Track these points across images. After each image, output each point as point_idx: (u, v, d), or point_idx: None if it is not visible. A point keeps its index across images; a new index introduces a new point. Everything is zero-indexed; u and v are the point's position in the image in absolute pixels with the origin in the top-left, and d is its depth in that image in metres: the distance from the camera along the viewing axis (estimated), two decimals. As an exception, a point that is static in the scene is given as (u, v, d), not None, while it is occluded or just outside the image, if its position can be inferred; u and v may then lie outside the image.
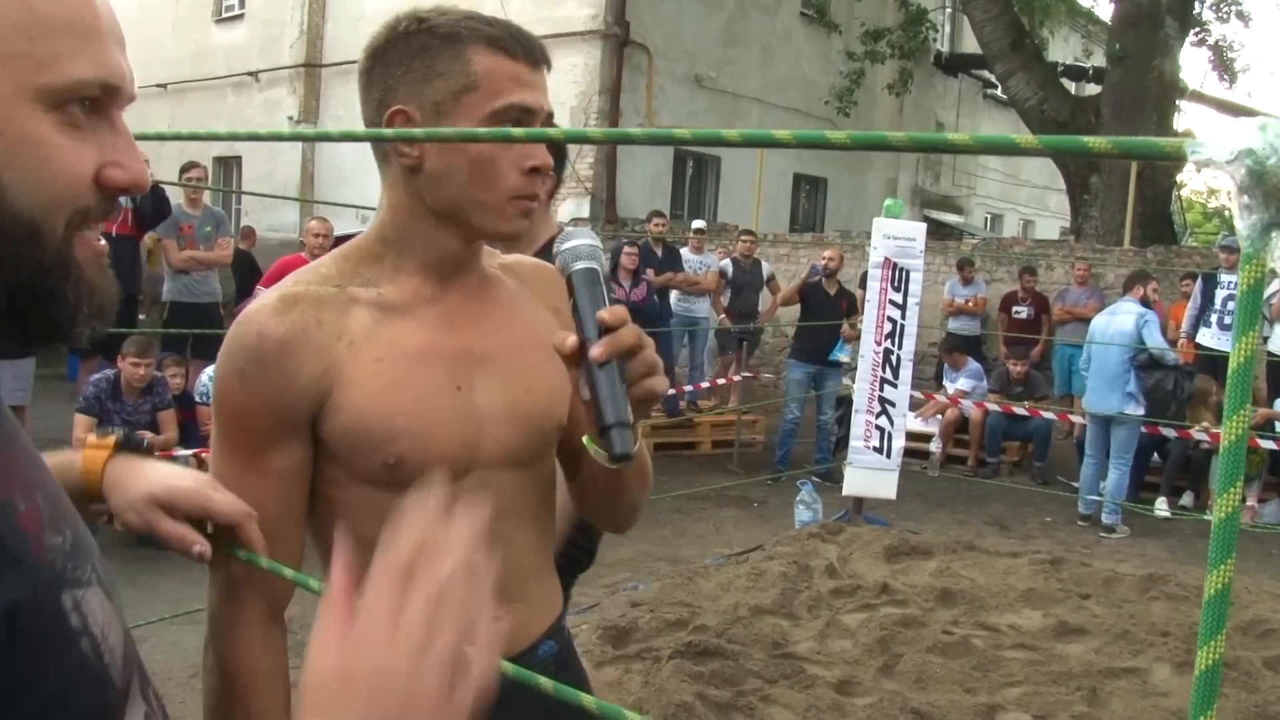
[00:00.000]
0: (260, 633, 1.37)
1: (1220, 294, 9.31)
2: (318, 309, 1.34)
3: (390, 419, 1.32)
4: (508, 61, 1.34)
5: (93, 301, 0.83)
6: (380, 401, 1.32)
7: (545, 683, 1.19)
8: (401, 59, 1.36)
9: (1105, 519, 7.98)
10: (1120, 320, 8.00)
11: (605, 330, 1.21)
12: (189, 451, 6.35)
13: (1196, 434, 8.18)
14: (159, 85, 19.86)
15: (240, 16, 19.32)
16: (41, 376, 7.51)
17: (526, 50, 1.36)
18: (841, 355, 9.04)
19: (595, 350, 1.20)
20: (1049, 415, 9.34)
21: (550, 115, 1.40)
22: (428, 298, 1.39)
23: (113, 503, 1.14)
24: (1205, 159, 0.74)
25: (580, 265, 1.26)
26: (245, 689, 1.36)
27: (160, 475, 1.14)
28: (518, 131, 1.30)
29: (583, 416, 1.30)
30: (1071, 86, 19.01)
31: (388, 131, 1.35)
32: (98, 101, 0.82)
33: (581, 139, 1.22)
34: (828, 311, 9.08)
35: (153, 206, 8.19)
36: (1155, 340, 7.90)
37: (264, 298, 1.37)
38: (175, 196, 8.84)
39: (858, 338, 8.91)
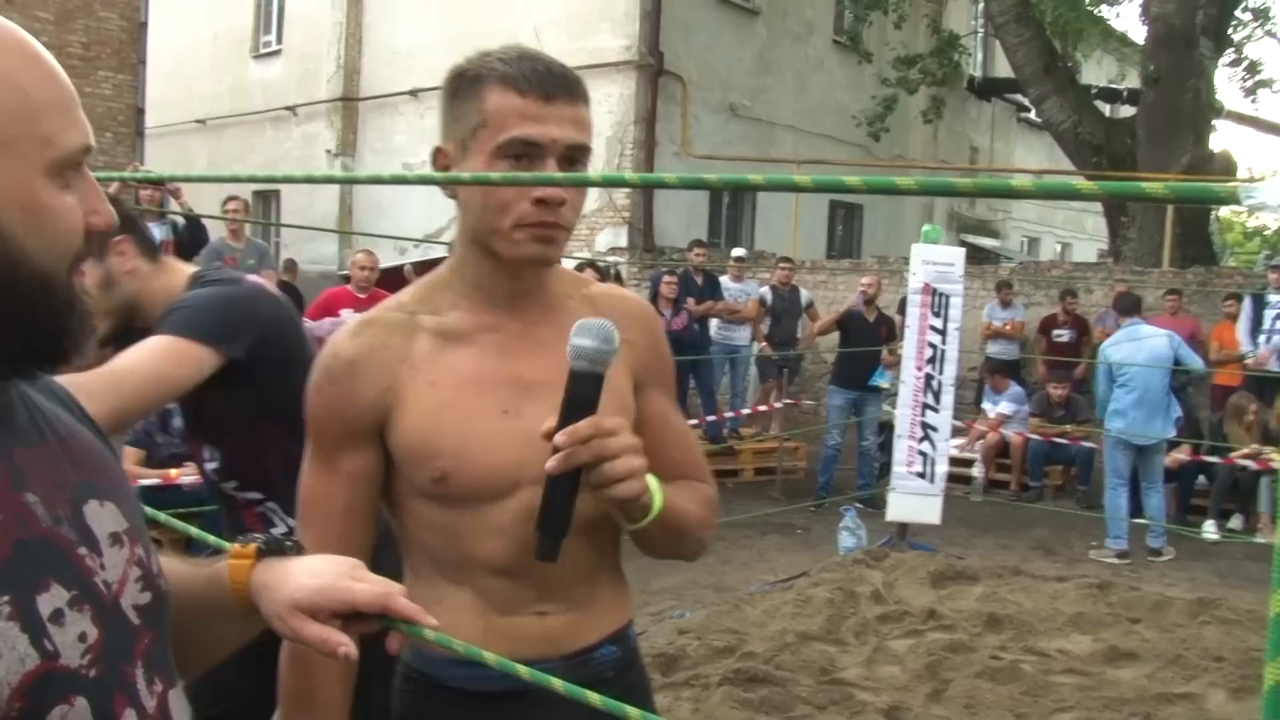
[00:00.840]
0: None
1: (1270, 314, 9.24)
2: (387, 333, 1.50)
3: (437, 438, 1.45)
4: (516, 98, 1.42)
5: (88, 325, 0.96)
6: (429, 422, 1.46)
7: (556, 683, 1.25)
8: (445, 102, 1.51)
9: (1152, 543, 7.90)
10: (1152, 344, 7.84)
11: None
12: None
13: (1238, 460, 8.11)
14: (198, 121, 20.18)
15: (278, 53, 19.60)
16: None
17: (538, 86, 1.42)
18: (881, 381, 9.02)
19: (548, 463, 1.27)
20: (1088, 445, 9.29)
21: (577, 147, 1.46)
22: (489, 325, 1.51)
23: (263, 611, 1.18)
24: (1259, 204, 0.77)
25: (578, 366, 1.29)
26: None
27: (299, 577, 1.17)
28: (559, 176, 1.38)
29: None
30: (1106, 109, 18.95)
31: (439, 176, 1.47)
32: (77, 161, 0.95)
33: (619, 182, 1.25)
34: (868, 338, 9.09)
35: (191, 237, 8.32)
36: (1196, 361, 7.87)
37: (349, 322, 1.54)
38: (218, 230, 8.97)
39: (897, 363, 8.93)
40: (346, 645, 1.17)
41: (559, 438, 1.27)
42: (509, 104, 1.42)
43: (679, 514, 1.48)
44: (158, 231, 8.17)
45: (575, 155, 1.46)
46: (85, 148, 0.95)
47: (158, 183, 8.12)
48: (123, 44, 14.51)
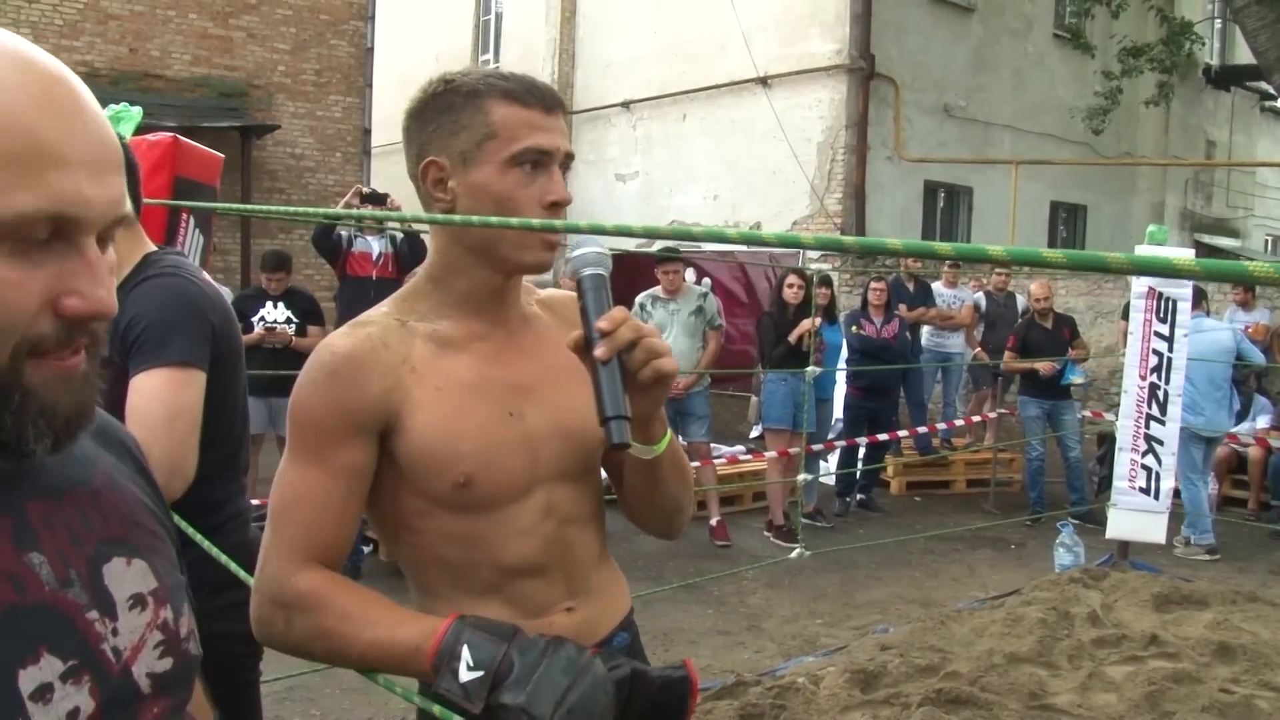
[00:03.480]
0: (324, 577, 1.48)
1: None
2: (384, 334, 1.53)
3: (456, 443, 1.49)
4: (522, 110, 1.51)
5: (45, 420, 0.83)
6: (446, 427, 1.49)
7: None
8: (433, 116, 1.54)
9: (1205, 539, 7.83)
10: (1215, 337, 7.86)
11: (604, 334, 1.37)
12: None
13: None
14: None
15: (495, 70, 20.22)
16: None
17: (540, 99, 1.52)
18: (1075, 377, 8.59)
19: (597, 350, 1.36)
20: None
21: (570, 155, 1.56)
22: (479, 334, 1.57)
23: None
24: None
25: (588, 271, 1.42)
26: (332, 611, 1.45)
27: None
28: (699, 231, 1.40)
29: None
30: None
31: (514, 222, 1.50)
32: (61, 229, 0.80)
33: (835, 247, 1.28)
34: (1049, 346, 8.67)
35: (410, 250, 8.63)
36: (1258, 356, 8.01)
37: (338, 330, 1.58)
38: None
39: (1084, 359, 8.53)
40: None
41: (601, 323, 1.37)
42: (517, 115, 1.50)
43: (682, 452, 1.63)
44: (377, 245, 8.54)
45: (568, 163, 1.57)
46: (51, 216, 0.79)
47: (379, 201, 8.46)
48: (351, 69, 15.29)
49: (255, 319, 7.24)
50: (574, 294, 1.74)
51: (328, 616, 1.42)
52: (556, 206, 1.53)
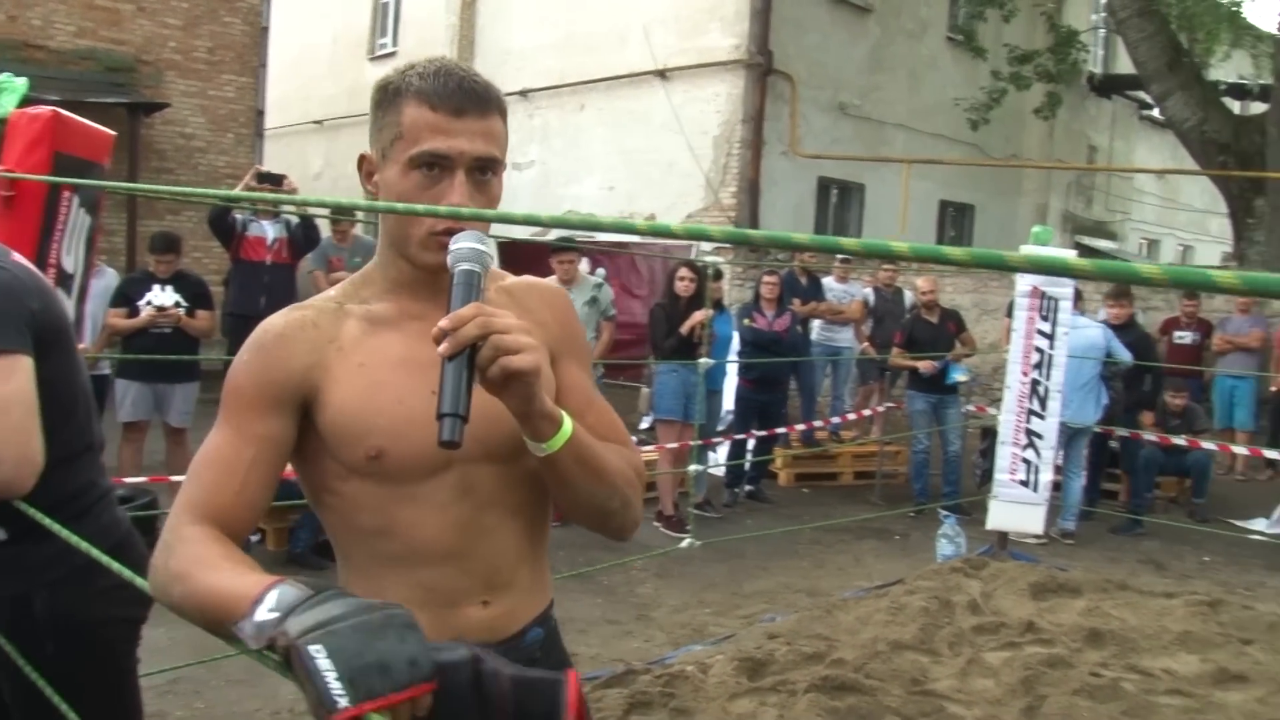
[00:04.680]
0: (203, 529, 1.46)
1: None
2: (317, 315, 1.60)
3: (370, 416, 1.51)
4: (428, 113, 1.52)
5: None
6: (361, 400, 1.52)
7: None
8: (372, 111, 1.60)
9: (1064, 524, 8.24)
10: (1087, 333, 8.20)
11: (446, 332, 1.33)
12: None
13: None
14: (315, 122, 20.68)
15: (393, 54, 19.97)
16: (204, 401, 7.83)
17: (449, 101, 1.52)
18: (958, 375, 8.82)
19: (440, 347, 1.33)
20: (1209, 446, 8.95)
21: (486, 159, 1.54)
22: (414, 314, 1.59)
23: None
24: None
25: (459, 267, 1.40)
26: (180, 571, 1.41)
27: None
28: (607, 222, 1.40)
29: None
30: (1235, 106, 18.24)
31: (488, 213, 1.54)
32: None
33: (703, 236, 1.26)
34: (935, 340, 8.89)
35: (304, 235, 8.50)
36: (1125, 354, 8.35)
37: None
38: (326, 229, 9.16)
39: (969, 354, 8.78)
40: None
41: (443, 321, 1.33)
42: (422, 118, 1.52)
43: (595, 451, 1.53)
44: (271, 230, 8.39)
45: (485, 166, 1.55)
46: None
47: (276, 183, 8.31)
48: (245, 48, 14.94)
49: (142, 302, 7.05)
50: (537, 281, 1.80)
51: (189, 561, 1.40)
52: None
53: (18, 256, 2.30)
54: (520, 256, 12.57)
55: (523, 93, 16.99)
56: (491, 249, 1.44)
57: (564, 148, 16.70)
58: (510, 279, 1.76)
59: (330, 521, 1.62)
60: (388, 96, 1.56)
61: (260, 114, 16.03)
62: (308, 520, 6.44)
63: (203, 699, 4.59)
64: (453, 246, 1.42)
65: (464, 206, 1.50)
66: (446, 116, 1.51)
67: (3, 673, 2.24)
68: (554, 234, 7.98)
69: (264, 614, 1.20)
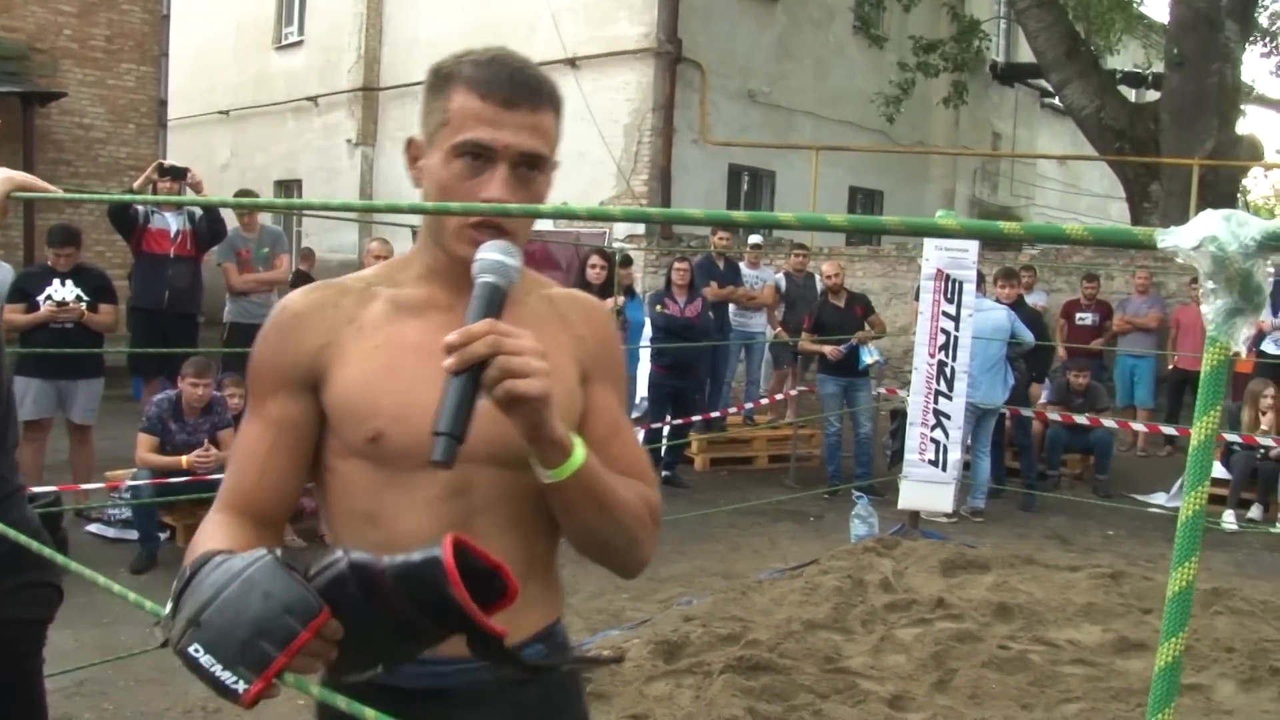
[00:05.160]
0: (217, 517, 1.49)
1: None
2: (340, 295, 1.56)
3: (374, 398, 1.48)
4: (476, 101, 1.46)
5: None
6: (369, 381, 1.49)
7: (369, 713, 1.13)
8: (423, 96, 1.55)
9: (973, 503, 8.44)
10: (992, 316, 8.33)
11: (454, 348, 1.26)
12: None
13: (1262, 441, 8.10)
14: (221, 112, 20.29)
15: (299, 43, 19.67)
16: (108, 398, 7.67)
17: (500, 91, 1.46)
18: (868, 358, 8.96)
19: (446, 361, 1.26)
20: (1110, 424, 9.21)
21: (532, 154, 1.48)
22: (442, 304, 1.54)
23: None
24: (1173, 246, 0.79)
25: (480, 279, 1.35)
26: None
27: None
28: (513, 207, 1.40)
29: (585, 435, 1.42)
30: (1131, 94, 18.74)
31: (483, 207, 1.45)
32: None
33: (642, 218, 1.27)
34: (842, 324, 9.02)
35: (208, 228, 8.35)
36: (1028, 335, 8.58)
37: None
38: (231, 221, 9.01)
39: (876, 336, 8.94)
40: None
41: (452, 336, 1.26)
42: (469, 106, 1.46)
43: (607, 486, 1.44)
44: (175, 222, 8.22)
45: (531, 161, 1.49)
46: None
47: (179, 175, 8.15)
48: (145, 36, 14.56)
49: (42, 297, 6.87)
50: (581, 294, 1.74)
51: (192, 548, 1.40)
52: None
53: None
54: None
55: (432, 82, 16.84)
56: (519, 261, 1.38)
57: (475, 137, 16.57)
58: (556, 288, 1.70)
59: (326, 504, 1.59)
60: (439, 81, 1.51)
61: (163, 104, 15.64)
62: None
63: (110, 700, 4.50)
64: (478, 256, 1.37)
65: (495, 200, 1.44)
66: (495, 107, 1.46)
67: None
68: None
69: (167, 607, 1.18)
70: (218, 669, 1.08)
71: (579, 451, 1.38)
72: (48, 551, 1.75)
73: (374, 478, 1.50)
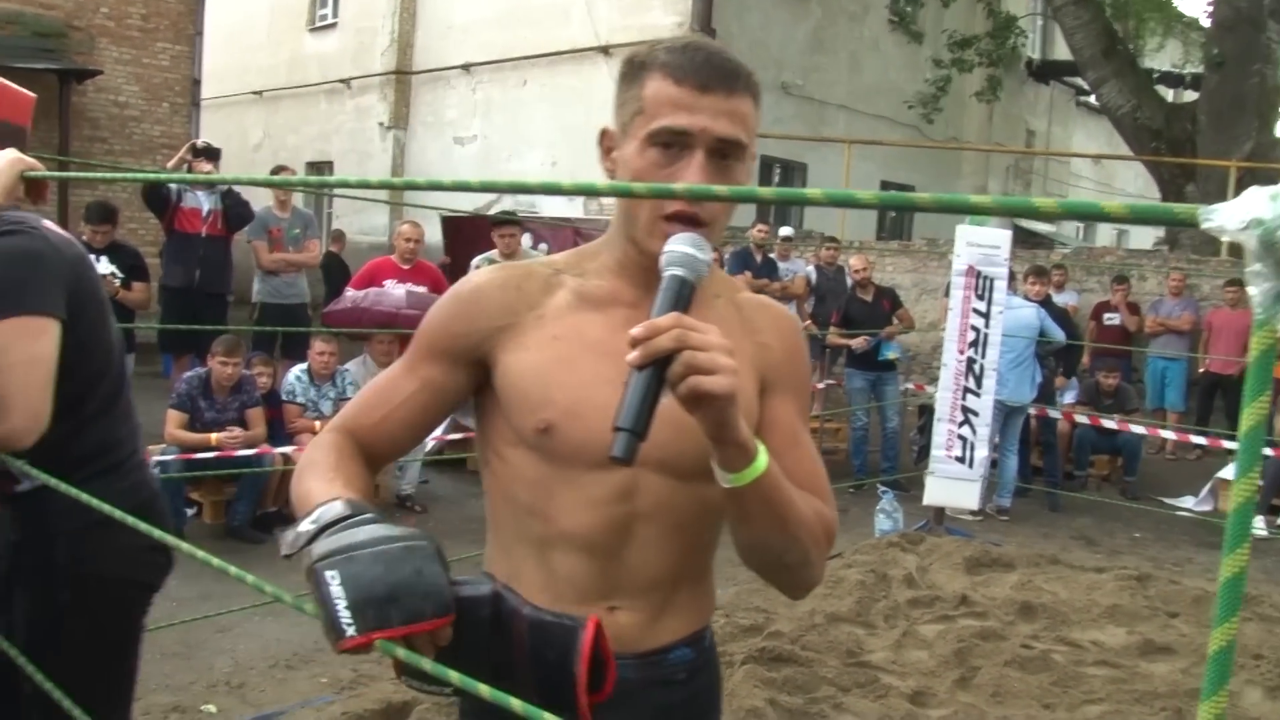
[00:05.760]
0: (337, 438, 1.52)
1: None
2: (525, 279, 1.54)
3: (548, 388, 1.46)
4: (671, 87, 1.41)
5: None
6: (544, 371, 1.47)
7: (515, 703, 1.07)
8: (617, 86, 1.52)
9: (1000, 501, 8.33)
10: (1022, 313, 8.25)
11: (638, 341, 1.22)
12: (277, 450, 6.49)
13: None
14: (254, 93, 20.37)
15: (333, 25, 19.71)
16: (138, 374, 7.70)
17: (695, 75, 1.41)
18: (890, 353, 8.92)
19: (630, 355, 1.21)
20: (1139, 429, 9.13)
21: (728, 140, 1.42)
22: (627, 301, 1.50)
23: None
24: (1217, 227, 0.75)
25: (668, 272, 1.30)
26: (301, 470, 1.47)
27: None
28: (534, 184, 1.34)
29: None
30: (1169, 94, 18.56)
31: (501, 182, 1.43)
32: None
33: (666, 194, 1.21)
34: (870, 318, 8.99)
35: (234, 211, 8.38)
36: (1059, 333, 8.52)
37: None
38: (265, 199, 9.04)
39: (904, 331, 8.89)
40: None
41: (637, 329, 1.21)
42: (665, 92, 1.42)
43: (786, 497, 1.37)
44: (207, 202, 8.26)
45: (727, 149, 1.43)
46: None
47: (214, 156, 8.19)
48: (181, 16, 14.62)
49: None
50: (772, 302, 1.69)
51: (308, 461, 1.46)
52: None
53: (50, 224, 2.31)
54: (462, 230, 12.49)
55: (465, 66, 16.86)
56: (709, 255, 1.33)
57: (506, 123, 16.60)
58: (745, 293, 1.65)
59: (490, 488, 1.57)
60: (633, 70, 1.47)
61: (197, 83, 15.71)
62: (245, 494, 6.38)
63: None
64: (666, 248, 1.32)
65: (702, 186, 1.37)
66: (691, 92, 1.41)
67: (18, 613, 2.30)
68: (496, 208, 7.92)
69: (306, 525, 1.22)
70: (341, 604, 1.10)
71: (762, 458, 1.31)
72: (130, 520, 1.77)
73: (541, 471, 1.47)
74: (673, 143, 1.41)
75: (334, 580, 1.10)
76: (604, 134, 1.54)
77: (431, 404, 1.55)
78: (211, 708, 4.19)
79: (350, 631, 1.09)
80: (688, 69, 1.41)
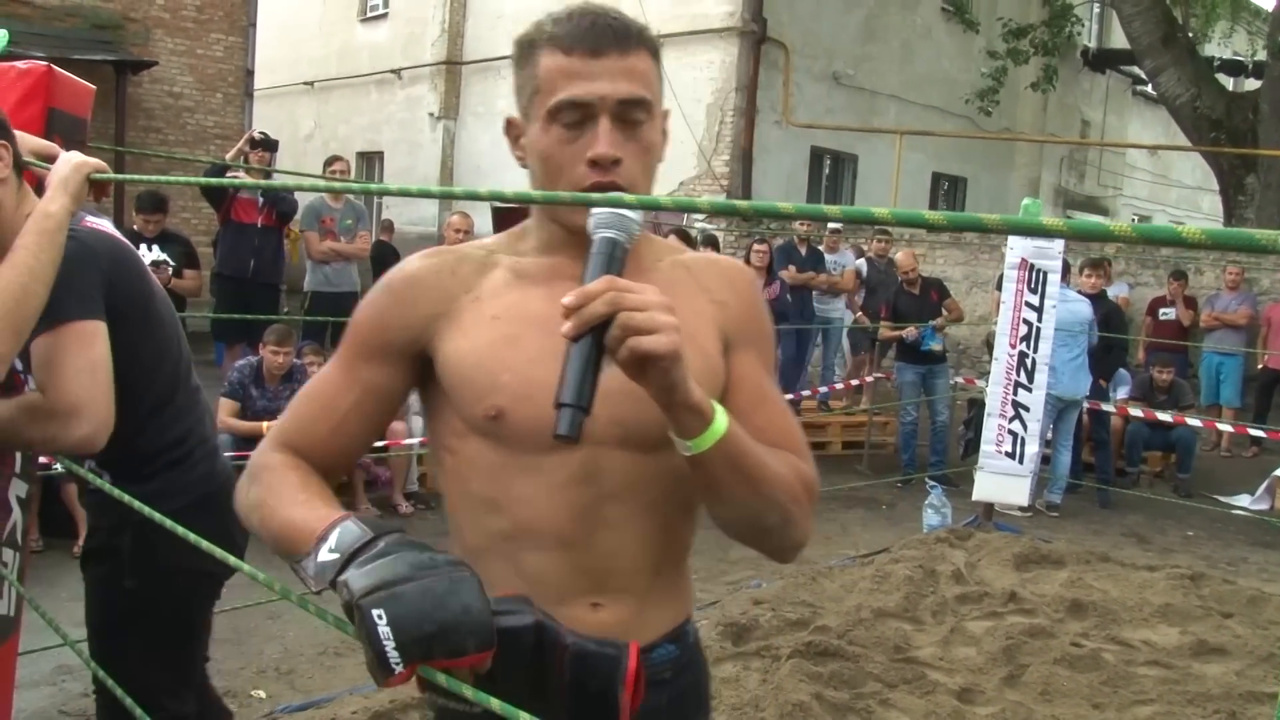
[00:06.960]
0: (287, 459, 1.45)
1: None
2: (459, 262, 1.47)
3: (495, 372, 1.38)
4: (562, 58, 1.37)
5: None
6: (487, 354, 1.39)
7: (525, 717, 1.09)
8: (513, 72, 1.47)
9: (1051, 497, 8.24)
10: (1075, 307, 8.07)
11: (571, 310, 1.17)
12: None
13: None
14: (306, 83, 20.53)
15: (384, 15, 19.81)
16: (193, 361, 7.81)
17: (583, 42, 1.36)
18: (934, 344, 8.83)
19: (564, 327, 1.17)
20: (1195, 423, 8.99)
21: (632, 101, 1.37)
22: (568, 274, 1.36)
23: None
24: None
25: (599, 234, 1.26)
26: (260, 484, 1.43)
27: None
28: (597, 196, 1.31)
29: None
30: (1229, 83, 18.21)
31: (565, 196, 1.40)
32: None
33: (729, 211, 1.17)
34: (918, 311, 8.92)
35: (276, 207, 8.46)
36: (1094, 334, 8.34)
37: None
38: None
39: (955, 321, 8.81)
40: None
41: (568, 297, 1.16)
42: (557, 65, 1.37)
43: (755, 457, 1.31)
44: (262, 194, 8.36)
45: (632, 110, 1.37)
46: None
47: (271, 147, 8.29)
48: (234, 7, 14.79)
49: (129, 261, 7.03)
50: (719, 258, 1.64)
51: (266, 489, 1.39)
52: (597, 164, 1.36)
53: (91, 220, 2.31)
54: (511, 219, 12.51)
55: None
56: (638, 214, 1.28)
57: (556, 113, 16.59)
58: (690, 253, 1.59)
59: (446, 487, 1.51)
60: (523, 50, 1.43)
61: (250, 74, 15.86)
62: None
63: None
64: (593, 211, 1.27)
65: (604, 156, 1.34)
66: (583, 59, 1.35)
67: (92, 597, 2.43)
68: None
69: (325, 554, 1.18)
70: (389, 645, 1.08)
71: (720, 419, 1.25)
72: (181, 530, 1.79)
73: (496, 460, 1.40)
74: (576, 115, 1.36)
75: (381, 620, 1.09)
76: (509, 124, 1.48)
77: (374, 410, 1.48)
78: (261, 693, 4.24)
79: (398, 669, 1.09)
80: (576, 36, 1.36)
